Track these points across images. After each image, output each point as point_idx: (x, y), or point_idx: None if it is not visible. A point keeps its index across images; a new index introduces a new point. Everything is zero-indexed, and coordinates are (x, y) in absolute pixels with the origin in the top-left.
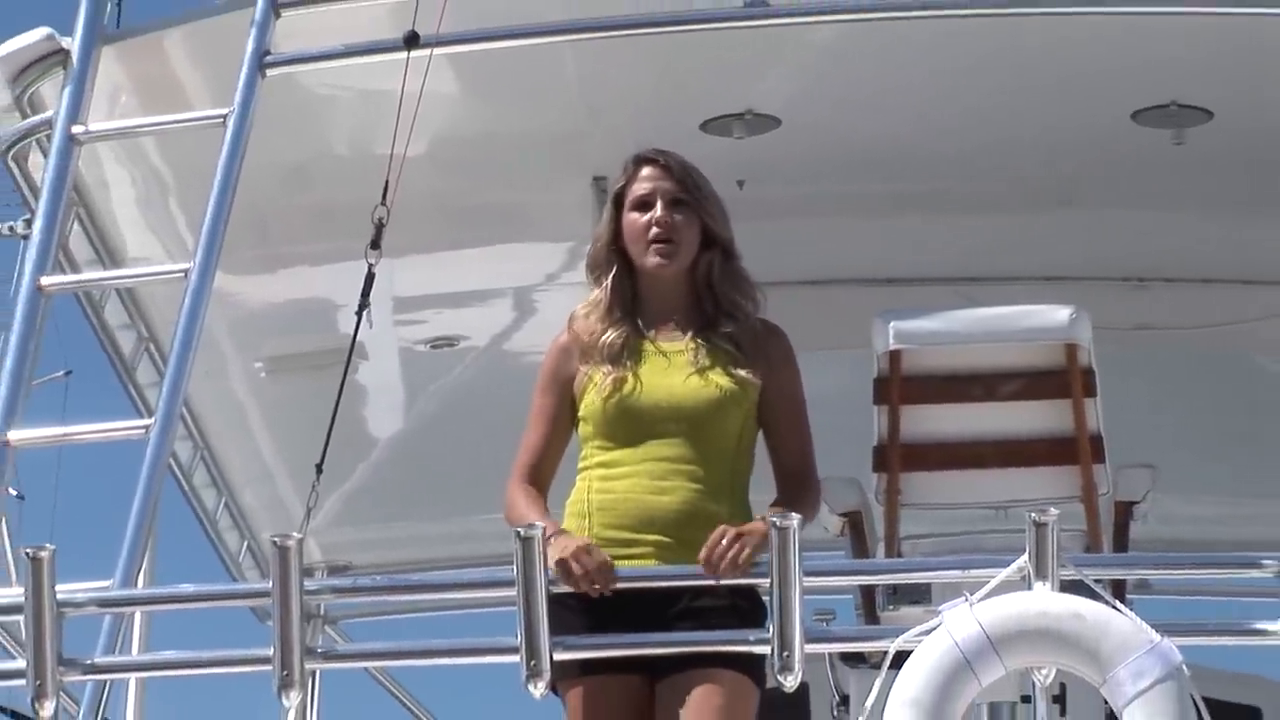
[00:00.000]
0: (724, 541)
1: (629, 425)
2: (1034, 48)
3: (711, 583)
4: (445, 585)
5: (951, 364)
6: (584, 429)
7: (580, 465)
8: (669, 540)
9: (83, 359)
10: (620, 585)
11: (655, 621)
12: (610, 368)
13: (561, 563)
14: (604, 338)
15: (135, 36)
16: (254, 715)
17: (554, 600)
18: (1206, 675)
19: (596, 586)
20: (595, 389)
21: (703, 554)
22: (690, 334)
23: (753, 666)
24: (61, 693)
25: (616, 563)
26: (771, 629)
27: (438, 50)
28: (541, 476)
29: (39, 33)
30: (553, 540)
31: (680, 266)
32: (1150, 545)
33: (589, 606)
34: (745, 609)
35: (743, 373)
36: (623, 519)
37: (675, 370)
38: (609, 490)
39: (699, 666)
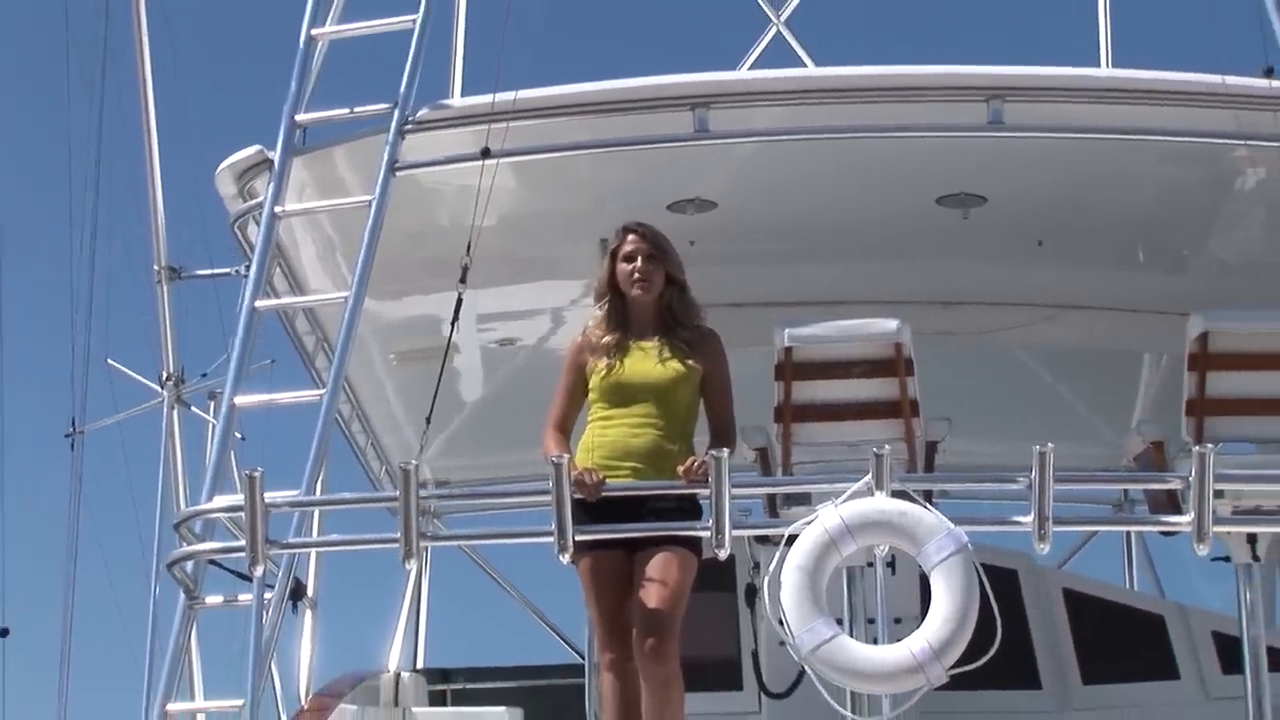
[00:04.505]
0: (696, 465)
1: (618, 394)
2: (874, 157)
3: (663, 492)
4: (508, 493)
5: (824, 355)
6: (592, 396)
7: (589, 419)
8: (641, 466)
9: (281, 352)
10: (608, 494)
11: (634, 516)
12: (607, 358)
13: (579, 477)
14: (603, 340)
15: (314, 151)
16: (389, 575)
17: (574, 504)
18: (982, 549)
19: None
20: (598, 372)
21: (682, 469)
22: (658, 337)
23: (695, 546)
24: (268, 560)
25: (607, 480)
26: (711, 520)
27: (502, 160)
28: (564, 426)
29: (253, 149)
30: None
31: (652, 296)
32: (947, 469)
33: (593, 509)
34: (689, 509)
35: (691, 361)
36: (612, 453)
37: (648, 360)
38: (604, 434)
39: (661, 545)
